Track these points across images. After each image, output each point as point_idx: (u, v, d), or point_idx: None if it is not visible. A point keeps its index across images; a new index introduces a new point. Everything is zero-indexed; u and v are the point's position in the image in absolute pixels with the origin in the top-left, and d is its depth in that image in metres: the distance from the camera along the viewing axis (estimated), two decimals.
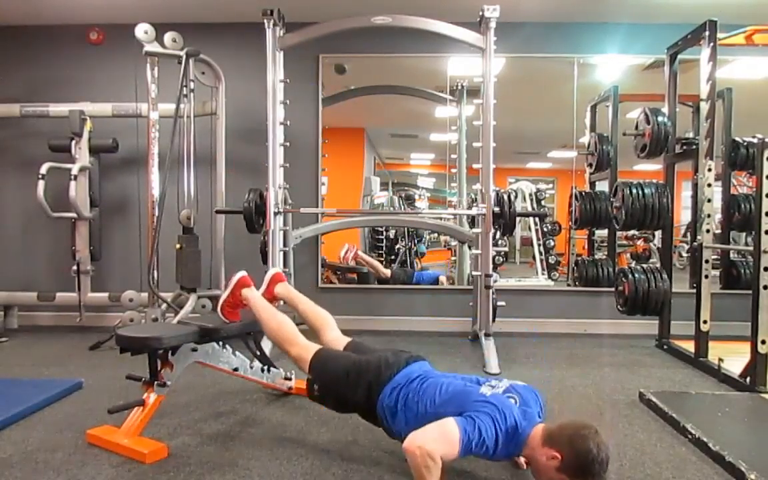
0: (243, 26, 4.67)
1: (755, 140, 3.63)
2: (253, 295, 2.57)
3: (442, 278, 5.51)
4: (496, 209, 3.79)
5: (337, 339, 2.44)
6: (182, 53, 4.07)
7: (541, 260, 5.92)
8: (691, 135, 4.20)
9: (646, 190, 3.92)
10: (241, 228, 4.07)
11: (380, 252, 5.77)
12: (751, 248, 3.31)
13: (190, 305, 4.11)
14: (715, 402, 2.85)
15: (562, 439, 1.78)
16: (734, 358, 3.30)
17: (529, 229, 6.04)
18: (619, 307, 4.19)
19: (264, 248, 4.10)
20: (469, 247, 4.61)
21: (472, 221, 4.46)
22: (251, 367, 2.82)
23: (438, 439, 1.75)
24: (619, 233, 5.26)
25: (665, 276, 4.00)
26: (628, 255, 6.21)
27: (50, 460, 2.18)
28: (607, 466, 1.77)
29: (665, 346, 4.17)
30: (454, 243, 5.59)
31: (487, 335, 3.78)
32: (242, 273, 2.62)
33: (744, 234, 4.86)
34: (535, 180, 6.37)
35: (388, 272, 5.47)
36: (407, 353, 2.24)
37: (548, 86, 5.39)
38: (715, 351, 3.55)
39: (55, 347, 4.10)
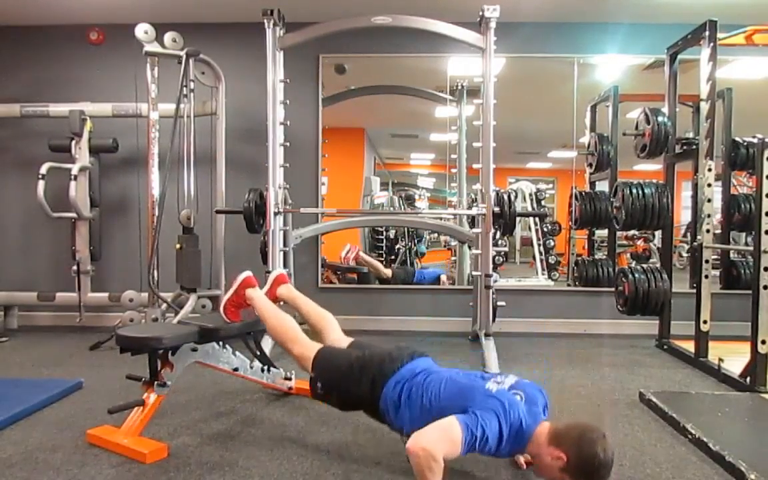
0: (243, 26, 4.66)
1: (755, 140, 3.62)
2: (258, 296, 2.58)
3: (443, 277, 5.51)
4: (496, 209, 3.78)
5: (339, 340, 2.44)
6: (182, 53, 4.07)
7: (541, 260, 5.92)
8: (691, 135, 4.20)
9: (646, 190, 3.92)
10: (241, 228, 4.07)
11: (380, 252, 5.77)
12: (751, 248, 3.31)
13: (190, 305, 4.12)
14: (715, 402, 2.85)
15: (569, 441, 1.77)
16: (734, 358, 3.30)
17: (529, 229, 6.04)
18: (619, 307, 4.19)
19: (264, 248, 4.10)
20: (469, 247, 4.61)
21: (472, 221, 4.46)
22: (251, 367, 2.82)
23: (441, 440, 1.74)
24: (619, 233, 5.26)
25: (665, 276, 4.00)
26: (628, 255, 6.21)
27: (50, 460, 2.18)
28: (612, 468, 1.76)
29: (665, 346, 4.16)
30: (454, 243, 5.59)
31: (487, 335, 3.77)
32: (247, 273, 2.62)
33: (744, 234, 4.86)
34: (535, 180, 6.37)
35: (389, 272, 5.47)
36: (410, 349, 2.23)
37: (548, 86, 5.40)
38: (715, 351, 3.55)
39: (55, 347, 4.10)
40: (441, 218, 5.40)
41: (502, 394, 1.89)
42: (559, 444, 1.78)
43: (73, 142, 4.37)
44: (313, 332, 2.51)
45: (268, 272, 2.98)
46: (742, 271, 4.48)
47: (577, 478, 1.76)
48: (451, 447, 1.74)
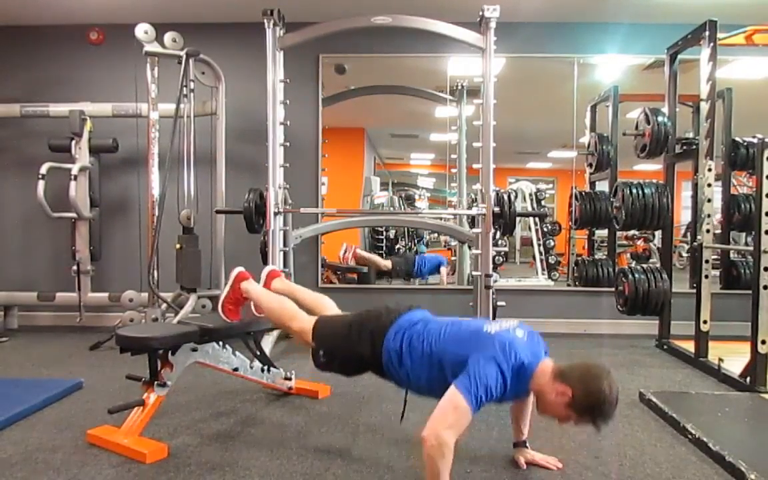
0: (243, 26, 4.66)
1: (755, 140, 3.63)
2: (253, 286, 2.58)
3: (443, 269, 5.52)
4: (496, 209, 3.78)
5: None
6: (182, 53, 4.07)
7: (541, 260, 5.92)
8: (691, 135, 4.20)
9: (646, 190, 3.92)
10: (241, 228, 4.07)
11: (380, 252, 5.77)
12: (751, 248, 3.31)
13: (190, 305, 4.11)
14: (715, 402, 2.85)
15: (574, 376, 1.78)
16: (734, 358, 3.30)
17: (529, 229, 6.04)
18: (619, 307, 4.19)
19: (264, 248, 4.10)
20: (469, 247, 4.61)
21: (472, 221, 4.46)
22: (251, 367, 2.82)
23: (453, 424, 1.72)
24: (619, 233, 5.27)
25: (665, 276, 4.00)
26: (628, 255, 6.22)
27: (50, 460, 2.18)
28: (617, 405, 1.76)
29: (665, 346, 4.16)
30: (454, 243, 5.59)
31: None
32: (239, 268, 2.63)
33: (744, 234, 4.87)
34: (535, 180, 6.37)
35: (388, 263, 5.50)
36: (407, 302, 2.25)
37: (548, 86, 5.40)
38: (715, 351, 3.55)
39: (55, 347, 4.09)
40: (441, 218, 5.40)
41: (502, 334, 1.88)
42: (564, 379, 1.78)
43: (73, 142, 4.37)
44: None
45: None
46: (742, 271, 4.48)
47: (582, 413, 1.76)
48: (464, 423, 1.74)
